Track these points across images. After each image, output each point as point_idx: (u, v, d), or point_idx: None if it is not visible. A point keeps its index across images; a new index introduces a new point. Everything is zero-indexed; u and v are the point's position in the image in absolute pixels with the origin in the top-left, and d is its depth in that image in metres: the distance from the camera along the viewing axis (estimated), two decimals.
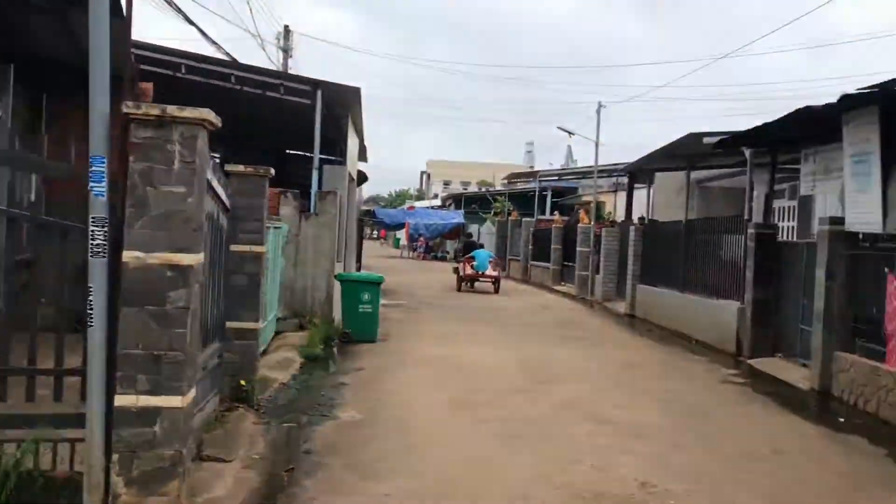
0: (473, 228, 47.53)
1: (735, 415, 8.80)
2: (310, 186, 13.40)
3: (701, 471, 6.41)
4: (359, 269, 23.92)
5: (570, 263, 27.07)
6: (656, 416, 8.28)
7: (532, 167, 63.10)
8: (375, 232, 74.59)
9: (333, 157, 15.20)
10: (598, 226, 25.32)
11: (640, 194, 34.28)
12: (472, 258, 25.07)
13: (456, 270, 25.76)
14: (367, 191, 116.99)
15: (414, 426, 7.55)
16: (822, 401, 9.86)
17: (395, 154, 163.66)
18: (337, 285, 13.17)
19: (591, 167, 31.92)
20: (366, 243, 61.90)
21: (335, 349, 11.85)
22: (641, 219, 20.24)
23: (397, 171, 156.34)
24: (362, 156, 24.29)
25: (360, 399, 8.55)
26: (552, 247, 28.81)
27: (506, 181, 41.60)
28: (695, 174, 28.34)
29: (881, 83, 8.19)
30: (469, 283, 24.63)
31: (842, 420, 8.86)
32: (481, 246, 31.67)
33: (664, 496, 5.71)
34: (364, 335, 12.66)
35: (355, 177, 19.11)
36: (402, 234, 54.43)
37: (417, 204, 69.39)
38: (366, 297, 12.67)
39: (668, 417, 8.31)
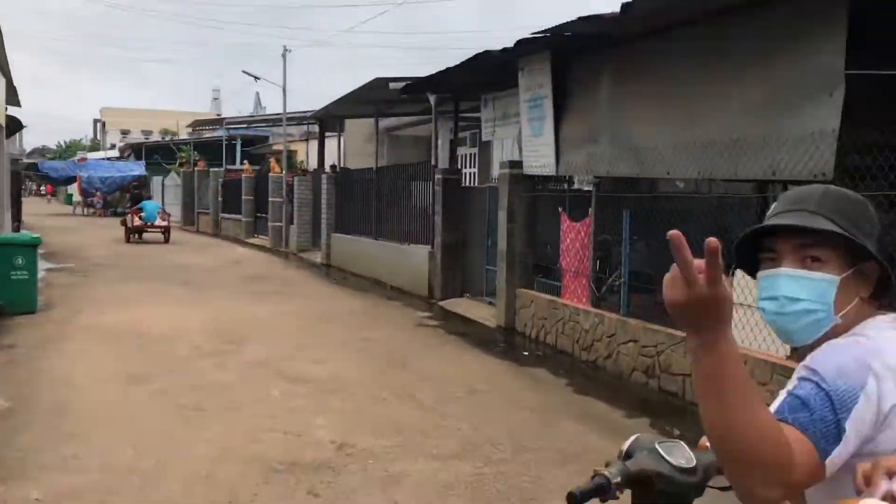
0: (157, 180, 44.19)
1: (431, 358, 8.84)
2: None
3: (401, 423, 6.21)
4: (17, 229, 20.83)
5: (263, 215, 26.12)
6: (355, 370, 8.00)
7: (219, 115, 60.04)
8: (44, 188, 66.30)
9: None
10: (290, 175, 24.63)
11: (331, 143, 34.13)
12: (141, 209, 25.71)
13: (124, 223, 26.42)
14: (30, 142, 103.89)
15: (78, 409, 6.45)
16: (508, 336, 10.33)
17: (64, 102, 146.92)
18: None
19: (279, 114, 31.00)
20: (31, 201, 55.25)
21: None
22: (333, 167, 19.96)
23: (67, 119, 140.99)
24: (11, 99, 20.96)
25: (7, 382, 7.17)
26: (243, 198, 27.57)
27: (190, 129, 39.00)
28: (384, 122, 28.69)
29: (552, 27, 8.46)
30: (138, 235, 25.17)
31: (526, 354, 9.32)
32: (150, 198, 32.82)
33: (364, 456, 5.39)
34: (20, 305, 10.85)
35: (2, 122, 16.35)
36: (74, 190, 48.98)
37: (92, 155, 62.88)
38: (19, 261, 10.82)
39: (366, 368, 8.08)
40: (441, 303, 13.01)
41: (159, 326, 10.02)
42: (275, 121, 34.17)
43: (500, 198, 10.72)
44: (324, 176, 20.09)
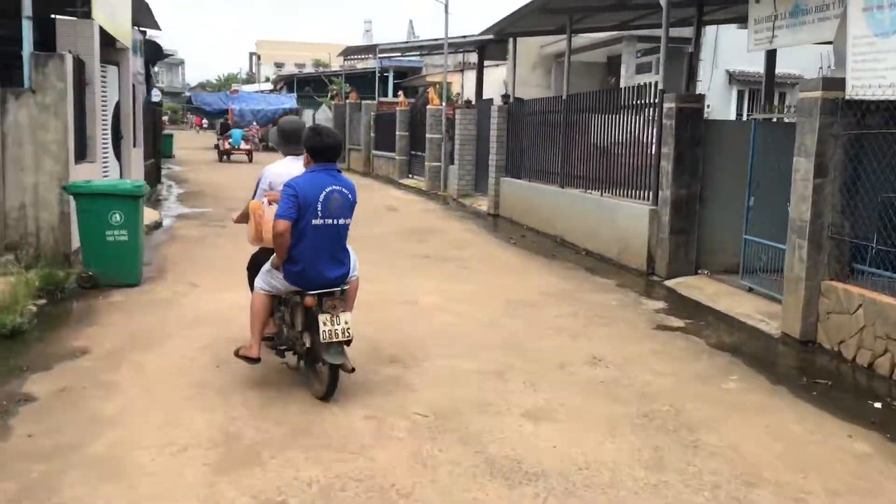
0: (308, 114, 42.30)
1: (725, 418, 5.20)
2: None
3: None
4: (154, 169, 18.83)
5: (419, 153, 23.13)
6: (610, 448, 4.51)
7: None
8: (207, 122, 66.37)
9: (73, 9, 10.11)
10: (450, 108, 21.37)
11: (490, 74, 30.54)
12: (229, 136, 32.31)
13: (216, 146, 32.95)
14: (192, 77, 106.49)
15: None
16: (812, 356, 6.60)
17: (224, 36, 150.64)
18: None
19: (437, 39, 27.65)
20: (186, 135, 54.93)
21: (66, 303, 7.46)
22: (506, 97, 16.51)
23: (225, 54, 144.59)
24: (144, 17, 18.73)
25: (36, 443, 4.33)
26: (397, 134, 24.64)
27: (342, 60, 36.46)
28: (551, 47, 24.80)
29: None
30: (227, 156, 31.54)
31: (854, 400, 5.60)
32: (238, 126, 37.21)
33: None
34: (117, 276, 8.24)
35: (128, 41, 13.91)
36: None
37: (247, 88, 62.44)
38: (116, 217, 8.15)
39: (623, 444, 4.66)
40: (668, 282, 9.40)
41: None
42: (431, 47, 30.89)
43: (801, 136, 6.86)
44: (494, 108, 16.63)
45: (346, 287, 5.27)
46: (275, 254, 5.13)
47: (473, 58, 38.73)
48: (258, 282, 5.37)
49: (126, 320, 6.98)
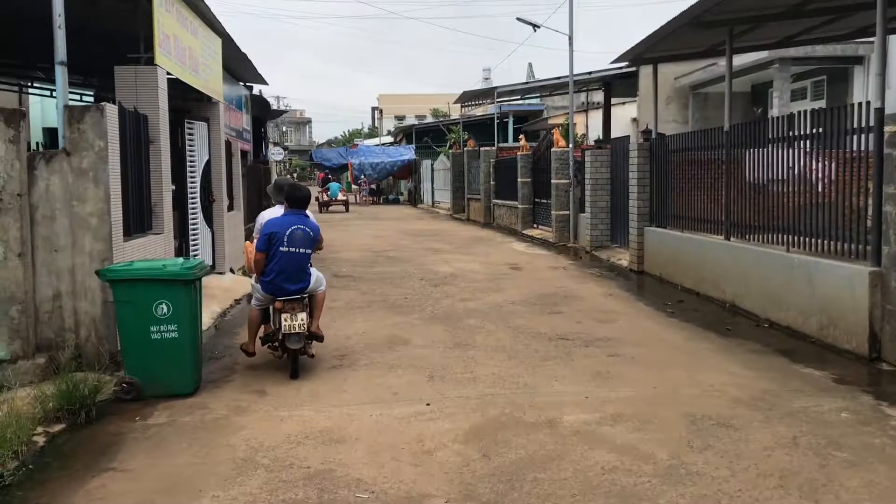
0: (426, 164, 41.04)
1: None
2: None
3: None
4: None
5: (544, 200, 20.88)
6: None
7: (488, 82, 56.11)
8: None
9: (136, 55, 8.61)
10: (577, 150, 19.07)
11: (616, 112, 28.03)
12: (327, 189, 37.29)
13: (317, 199, 35.52)
14: (320, 135, 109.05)
15: None
16: None
17: (348, 95, 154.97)
18: None
19: (559, 78, 25.52)
20: (312, 190, 54.24)
21: (90, 428, 5.64)
22: (647, 132, 14.09)
23: (350, 109, 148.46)
24: (247, 71, 17.59)
25: None
26: (519, 180, 22.50)
27: (459, 106, 34.98)
28: (688, 78, 22.14)
29: None
30: (326, 207, 35.98)
31: None
32: (336, 181, 42.94)
33: None
34: (165, 383, 6.41)
35: (217, 95, 12.52)
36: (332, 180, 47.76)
37: (369, 142, 62.43)
38: (162, 308, 6.34)
39: None
40: None
41: (398, 477, 4.88)
42: (553, 87, 28.79)
43: None
44: (633, 145, 14.21)
45: (306, 296, 7.07)
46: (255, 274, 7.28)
47: (597, 97, 36.47)
48: (252, 301, 7.46)
49: (153, 461, 5.03)
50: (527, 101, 40.75)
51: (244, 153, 20.04)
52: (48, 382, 6.24)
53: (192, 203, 12.01)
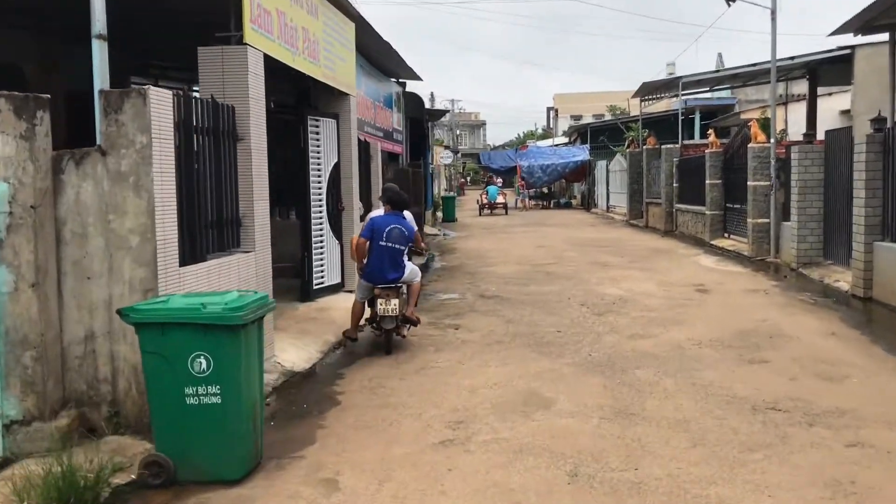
0: (600, 166, 38.26)
1: None
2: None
3: None
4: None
5: (737, 205, 17.80)
6: None
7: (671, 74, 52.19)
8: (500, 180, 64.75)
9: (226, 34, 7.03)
10: (780, 146, 15.96)
11: (822, 104, 24.09)
12: (486, 192, 36.49)
13: (478, 201, 36.80)
14: (495, 137, 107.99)
15: None
16: None
17: (524, 96, 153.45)
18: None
19: (757, 64, 22.13)
20: (469, 195, 53.12)
21: None
22: (879, 120, 10.99)
23: (524, 111, 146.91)
24: (395, 65, 16.03)
25: None
26: (707, 182, 19.46)
27: (638, 101, 31.96)
28: None
29: None
30: (486, 210, 35.24)
31: None
32: (495, 183, 41.14)
33: None
34: (204, 464, 4.70)
35: (349, 88, 10.94)
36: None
37: (542, 143, 60.19)
38: (201, 363, 4.61)
39: None
40: None
41: None
42: (746, 76, 25.32)
43: None
44: (859, 138, 11.15)
45: (401, 285, 8.06)
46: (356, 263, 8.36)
47: (796, 89, 32.13)
48: (356, 294, 8.35)
49: None
50: (715, 96, 36.99)
51: (394, 155, 18.57)
52: (77, 448, 4.71)
53: (318, 212, 10.49)
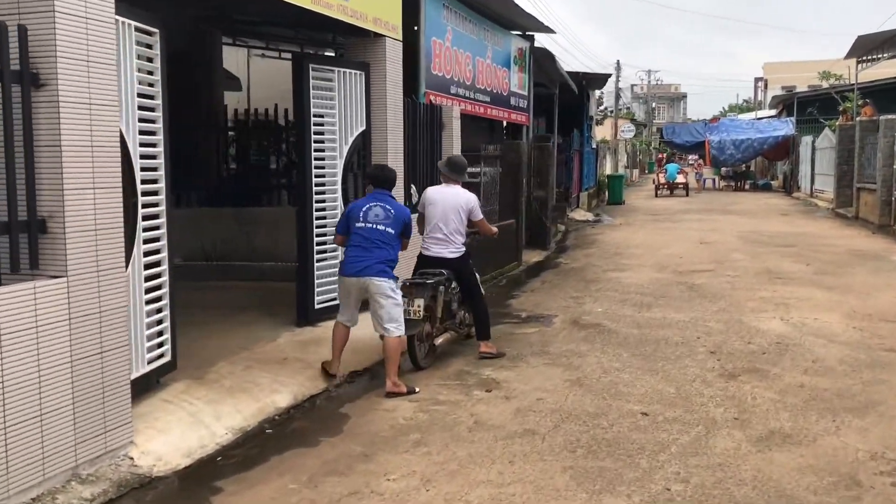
0: (805, 142, 32.31)
1: None
2: None
3: None
4: (536, 230, 12.43)
5: None
6: None
7: None
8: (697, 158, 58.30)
9: None
10: None
11: None
12: (665, 170, 32.97)
13: (654, 181, 34.16)
14: (695, 111, 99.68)
15: None
16: None
17: (728, 66, 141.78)
18: None
19: None
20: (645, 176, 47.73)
21: None
22: None
23: (730, 81, 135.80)
24: (507, 10, 12.54)
25: None
26: None
27: (854, 61, 25.97)
28: None
29: None
30: (665, 190, 31.49)
31: None
32: (672, 160, 40.05)
33: None
34: None
35: (387, 29, 7.83)
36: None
37: (743, 116, 53.47)
38: None
39: None
40: None
41: None
42: None
43: None
44: None
45: (430, 280, 6.66)
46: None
47: None
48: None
49: None
50: None
51: (517, 126, 15.21)
52: None
53: (326, 203, 7.50)
